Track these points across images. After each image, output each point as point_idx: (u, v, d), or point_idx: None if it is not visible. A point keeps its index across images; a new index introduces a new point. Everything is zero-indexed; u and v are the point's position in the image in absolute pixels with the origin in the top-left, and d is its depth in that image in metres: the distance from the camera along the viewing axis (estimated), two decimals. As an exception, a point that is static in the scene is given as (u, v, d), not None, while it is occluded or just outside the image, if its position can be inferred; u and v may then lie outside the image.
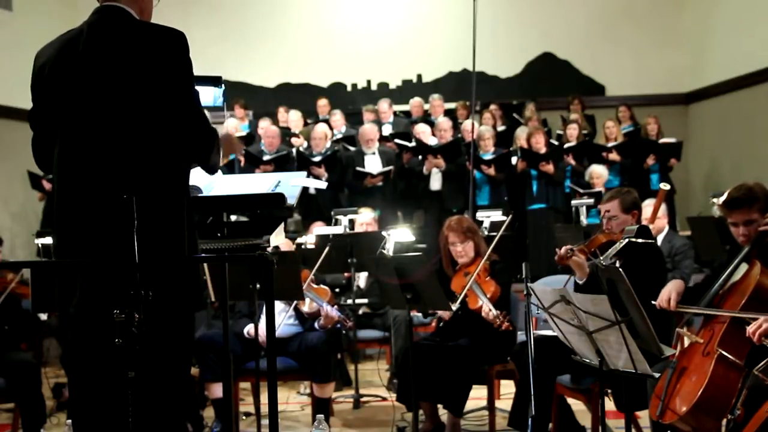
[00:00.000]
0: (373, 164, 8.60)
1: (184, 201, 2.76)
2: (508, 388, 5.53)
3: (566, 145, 9.03)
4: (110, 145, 2.67)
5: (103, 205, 2.64)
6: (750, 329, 3.11)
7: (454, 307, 4.65)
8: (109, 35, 2.73)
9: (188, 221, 2.76)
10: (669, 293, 3.56)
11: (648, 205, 5.67)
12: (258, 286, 4.31)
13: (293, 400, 6.03)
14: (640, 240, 3.69)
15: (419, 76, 11.99)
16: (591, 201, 7.73)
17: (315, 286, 5.17)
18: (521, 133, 9.21)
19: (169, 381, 2.71)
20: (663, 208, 5.98)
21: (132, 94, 2.67)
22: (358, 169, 8.43)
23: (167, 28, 2.75)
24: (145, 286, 2.46)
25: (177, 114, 2.71)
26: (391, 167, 8.51)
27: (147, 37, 2.72)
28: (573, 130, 9.19)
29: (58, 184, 2.79)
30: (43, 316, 5.84)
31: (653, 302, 3.55)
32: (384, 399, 5.81)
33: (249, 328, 4.92)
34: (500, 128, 9.79)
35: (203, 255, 3.09)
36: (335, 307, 5.10)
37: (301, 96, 11.46)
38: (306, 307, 5.07)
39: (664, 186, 4.86)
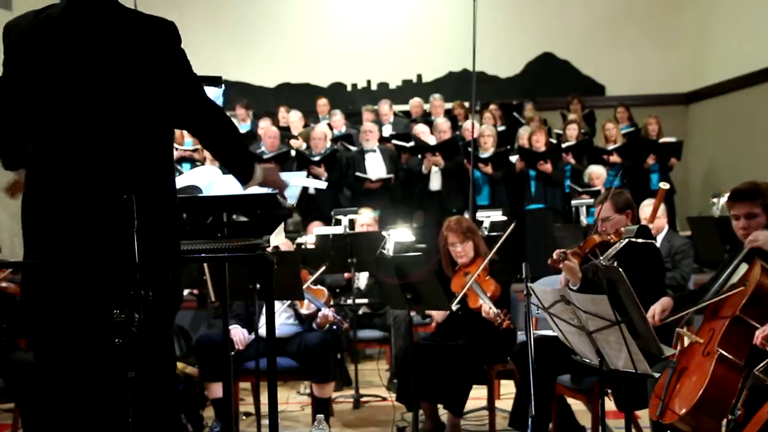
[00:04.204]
0: (374, 164, 8.61)
1: (169, 201, 2.61)
2: (508, 388, 5.53)
3: (564, 145, 9.04)
4: (96, 143, 2.48)
5: (85, 206, 2.47)
6: (758, 334, 3.12)
7: (454, 306, 4.66)
8: (92, 20, 2.50)
9: (172, 222, 2.60)
10: (653, 310, 3.60)
11: (647, 205, 5.67)
12: (258, 286, 4.31)
13: (293, 400, 6.02)
14: (639, 240, 3.69)
15: (419, 76, 12.00)
16: (591, 201, 7.74)
17: (313, 287, 5.17)
18: (524, 133, 9.23)
19: (153, 382, 2.55)
20: (662, 207, 5.98)
21: (119, 88, 2.47)
22: (358, 174, 8.45)
23: (157, 18, 2.56)
24: (131, 287, 2.34)
25: (186, 109, 2.57)
26: (391, 175, 8.53)
27: (136, 25, 2.52)
28: (572, 130, 9.20)
29: (31, 184, 2.60)
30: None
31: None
32: (384, 399, 5.81)
33: (231, 329, 4.84)
34: (500, 128, 9.80)
35: (203, 255, 3.08)
36: (332, 309, 5.10)
37: (301, 96, 11.47)
38: (304, 308, 5.07)
39: (664, 185, 4.86)
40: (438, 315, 4.94)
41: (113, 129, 2.49)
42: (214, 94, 3.14)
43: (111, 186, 2.46)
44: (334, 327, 5.06)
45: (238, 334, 4.84)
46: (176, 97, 2.56)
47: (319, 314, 5.00)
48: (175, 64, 2.56)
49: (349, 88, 12.09)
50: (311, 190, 8.40)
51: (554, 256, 4.06)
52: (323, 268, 5.44)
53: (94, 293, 2.48)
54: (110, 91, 2.48)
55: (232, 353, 4.77)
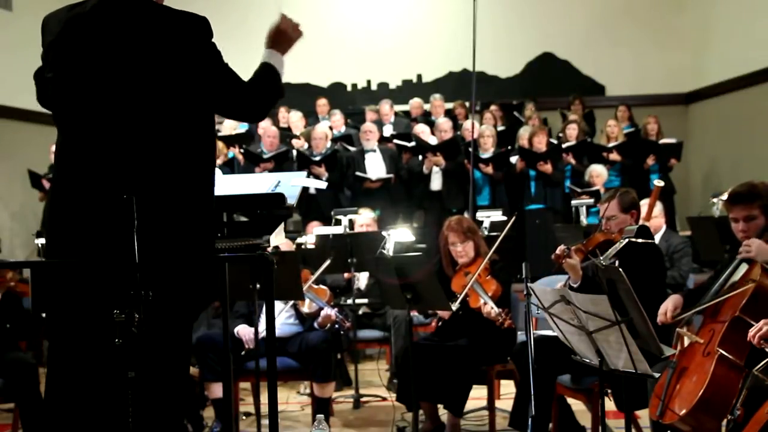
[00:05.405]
0: (374, 163, 8.61)
1: (201, 199, 2.61)
2: (508, 388, 5.53)
3: (565, 145, 9.04)
4: (122, 140, 2.49)
5: (111, 204, 2.45)
6: (751, 332, 3.11)
7: (455, 306, 4.65)
8: (124, 15, 2.52)
9: (202, 220, 2.61)
10: (665, 307, 3.59)
11: (643, 204, 5.67)
12: (258, 286, 4.31)
13: (293, 400, 6.02)
14: (640, 240, 3.69)
15: (419, 76, 11.99)
16: (591, 201, 7.74)
17: (315, 286, 5.18)
18: (524, 133, 9.22)
19: (166, 381, 2.58)
20: (659, 206, 5.97)
21: (149, 85, 2.48)
22: (358, 173, 8.45)
23: (188, 13, 2.58)
24: (147, 285, 2.36)
25: (223, 99, 2.60)
26: (391, 175, 8.54)
27: (167, 21, 2.53)
28: (572, 130, 9.20)
29: (57, 181, 2.61)
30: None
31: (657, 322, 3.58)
32: (384, 399, 5.81)
33: (239, 328, 4.92)
34: (500, 128, 9.80)
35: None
36: (336, 309, 5.11)
37: (301, 96, 11.46)
38: (306, 307, 5.07)
39: (659, 182, 4.86)
40: (444, 312, 4.90)
41: (141, 125, 2.49)
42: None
43: (133, 184, 2.45)
44: (337, 326, 5.06)
45: (248, 333, 4.85)
46: (211, 89, 2.58)
47: (322, 313, 5.00)
48: (207, 59, 2.57)
49: (349, 88, 12.09)
50: (311, 190, 8.41)
51: (557, 251, 4.07)
52: (326, 264, 5.44)
53: (105, 292, 2.47)
54: (140, 87, 2.49)
55: (243, 353, 4.79)
